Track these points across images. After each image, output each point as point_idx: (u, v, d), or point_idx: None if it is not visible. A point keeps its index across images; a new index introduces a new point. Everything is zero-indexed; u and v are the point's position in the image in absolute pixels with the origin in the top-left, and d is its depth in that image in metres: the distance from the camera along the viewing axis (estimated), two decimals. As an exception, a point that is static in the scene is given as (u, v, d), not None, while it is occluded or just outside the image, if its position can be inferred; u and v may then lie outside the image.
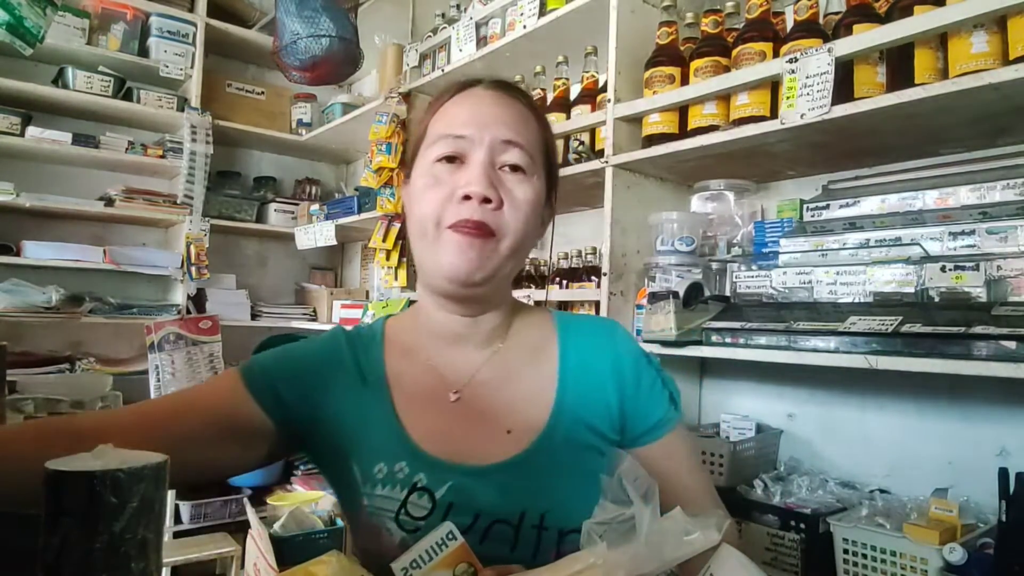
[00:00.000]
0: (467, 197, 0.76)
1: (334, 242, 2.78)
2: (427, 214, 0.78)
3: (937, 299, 1.08)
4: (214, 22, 2.84)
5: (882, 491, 1.31)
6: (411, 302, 2.31)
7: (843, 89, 1.17)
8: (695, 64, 1.42)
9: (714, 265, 1.56)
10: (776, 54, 1.30)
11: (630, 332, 0.90)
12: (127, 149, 2.67)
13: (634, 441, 0.83)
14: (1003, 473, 1.02)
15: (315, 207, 2.95)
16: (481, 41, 2.08)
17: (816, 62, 1.17)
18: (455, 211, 0.76)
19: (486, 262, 0.77)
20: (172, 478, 0.73)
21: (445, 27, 2.31)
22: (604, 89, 1.66)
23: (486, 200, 0.76)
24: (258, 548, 1.60)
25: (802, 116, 1.18)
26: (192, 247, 2.75)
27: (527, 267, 2.03)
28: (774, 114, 1.29)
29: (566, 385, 0.82)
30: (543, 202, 0.84)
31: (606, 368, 0.83)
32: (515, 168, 0.79)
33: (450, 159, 0.79)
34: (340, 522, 1.81)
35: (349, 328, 0.90)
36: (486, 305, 0.83)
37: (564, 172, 1.67)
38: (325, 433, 0.81)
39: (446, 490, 0.74)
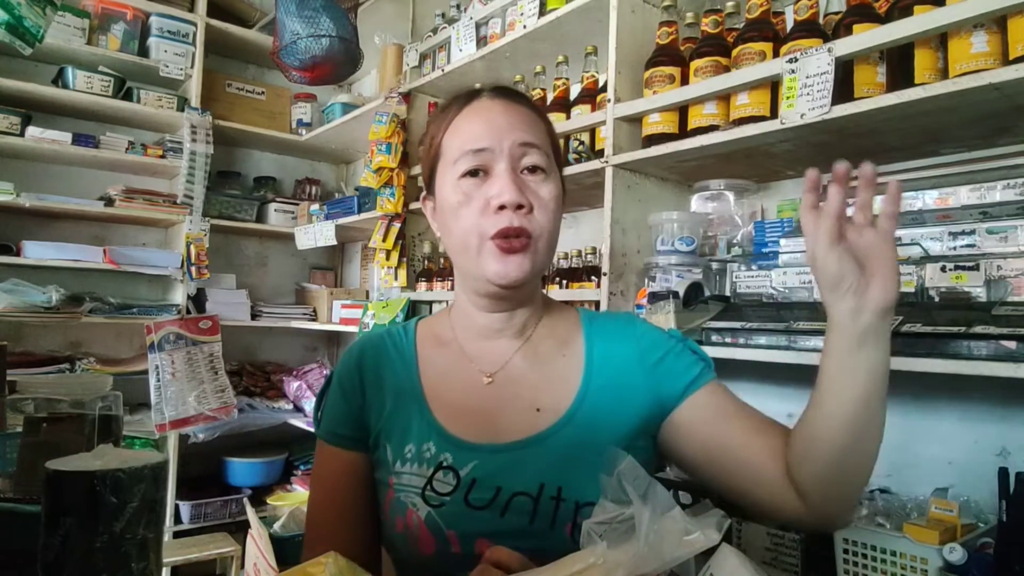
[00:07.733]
0: (502, 207, 0.80)
1: (334, 242, 2.78)
2: (467, 228, 0.82)
3: (937, 299, 1.08)
4: (214, 22, 2.84)
5: (882, 491, 1.31)
6: (411, 302, 2.31)
7: (843, 89, 1.17)
8: (695, 64, 1.42)
9: (714, 265, 1.56)
10: (776, 54, 1.30)
11: (647, 320, 0.93)
12: (127, 149, 2.67)
13: (678, 398, 0.85)
14: (1003, 473, 1.02)
15: (315, 207, 2.94)
16: (481, 41, 2.07)
17: (816, 62, 1.17)
18: (493, 222, 0.80)
19: (527, 264, 0.81)
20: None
21: (445, 27, 2.31)
22: (604, 89, 1.66)
23: (519, 206, 0.80)
24: (258, 548, 1.60)
25: (802, 116, 1.18)
26: (192, 247, 2.74)
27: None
28: (774, 114, 1.29)
29: (591, 372, 0.87)
30: (562, 197, 0.87)
31: (630, 354, 0.87)
32: (535, 169, 0.84)
33: (474, 173, 0.82)
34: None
35: (381, 328, 0.97)
36: (522, 300, 0.89)
37: (564, 172, 1.66)
38: (372, 429, 0.88)
39: (471, 468, 0.79)
